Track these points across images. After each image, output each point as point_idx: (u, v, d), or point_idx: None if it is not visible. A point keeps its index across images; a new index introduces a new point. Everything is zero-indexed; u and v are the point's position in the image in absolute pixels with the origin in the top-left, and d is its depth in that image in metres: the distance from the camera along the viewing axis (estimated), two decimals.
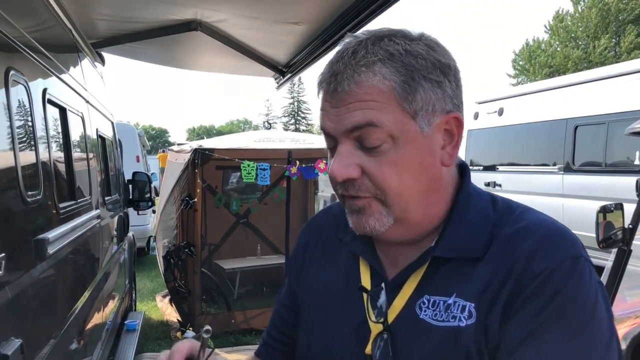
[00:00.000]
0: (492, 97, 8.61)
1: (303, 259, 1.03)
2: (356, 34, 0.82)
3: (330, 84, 0.78)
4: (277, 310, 1.09)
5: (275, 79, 4.73)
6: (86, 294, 2.61)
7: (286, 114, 69.76)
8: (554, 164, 7.18)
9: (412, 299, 0.82)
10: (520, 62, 38.80)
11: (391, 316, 0.83)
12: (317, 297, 0.96)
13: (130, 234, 5.44)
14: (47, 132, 2.08)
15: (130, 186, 5.33)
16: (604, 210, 2.65)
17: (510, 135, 8.02)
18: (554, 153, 7.18)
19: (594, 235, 2.62)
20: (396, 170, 0.77)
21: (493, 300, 0.75)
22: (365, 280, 0.89)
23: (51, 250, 1.88)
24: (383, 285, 0.86)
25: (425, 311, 0.81)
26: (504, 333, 0.73)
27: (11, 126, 1.62)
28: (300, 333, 0.98)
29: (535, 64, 36.05)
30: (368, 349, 0.84)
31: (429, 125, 0.78)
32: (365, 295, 0.87)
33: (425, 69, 0.77)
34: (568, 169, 6.94)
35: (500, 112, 8.23)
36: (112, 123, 4.78)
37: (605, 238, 2.64)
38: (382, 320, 0.83)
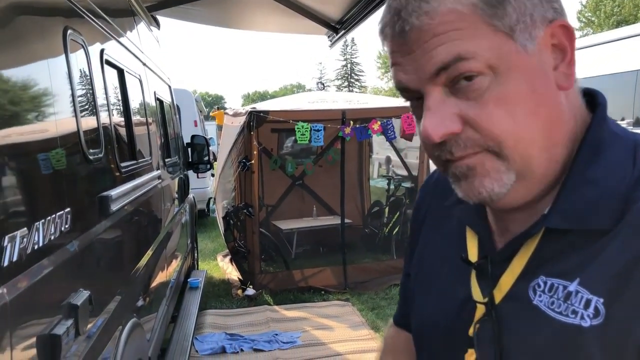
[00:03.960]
0: None
1: (415, 224, 0.93)
2: None
3: (395, 25, 0.62)
4: (401, 280, 1.01)
5: (329, 37, 4.65)
6: (149, 252, 2.70)
7: (339, 77, 69.12)
8: (622, 119, 6.78)
9: (524, 278, 0.67)
10: (587, 14, 36.52)
11: (498, 295, 0.69)
12: (424, 265, 0.86)
13: (190, 195, 5.59)
14: (105, 92, 2.12)
15: (189, 149, 5.45)
16: None
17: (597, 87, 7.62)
18: (623, 108, 6.77)
19: None
20: (506, 109, 0.61)
21: (638, 299, 0.56)
22: (472, 251, 0.76)
23: (114, 207, 1.93)
24: (490, 258, 0.72)
25: (540, 296, 0.64)
26: None
27: (71, 84, 1.65)
28: (412, 306, 0.89)
29: (601, 15, 33.82)
30: (471, 331, 0.71)
31: (532, 41, 0.61)
32: (470, 268, 0.74)
33: None
34: (638, 123, 6.54)
35: None
36: (170, 87, 4.85)
37: None
38: (487, 300, 0.70)
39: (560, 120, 0.65)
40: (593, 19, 35.08)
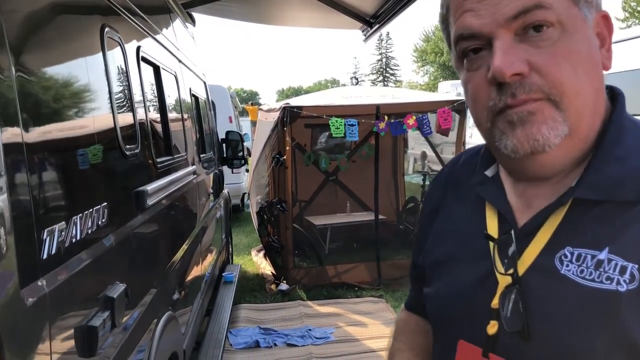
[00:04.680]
0: None
1: (428, 217, 0.96)
2: None
3: None
4: (410, 268, 1.05)
5: (363, 31, 4.62)
6: (185, 246, 2.74)
7: (374, 71, 68.70)
8: None
9: (549, 250, 0.70)
10: (632, 4, 35.22)
11: (521, 268, 0.72)
12: (443, 249, 0.88)
13: (225, 190, 5.65)
14: (142, 89, 2.15)
15: (223, 145, 5.51)
16: None
17: (617, 83, 7.33)
18: None
19: None
20: (571, 62, 0.66)
21: None
22: (492, 227, 0.79)
23: (150, 201, 1.96)
24: (512, 232, 0.75)
25: (568, 266, 0.67)
26: None
27: (108, 81, 1.68)
28: (428, 288, 0.91)
29: None
30: (495, 303, 0.73)
31: (590, 17, 0.69)
32: (491, 243, 0.77)
33: None
34: None
35: None
36: (205, 83, 4.91)
37: None
38: (511, 272, 0.72)
39: (602, 94, 0.72)
40: (638, 8, 33.80)
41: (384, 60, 68.26)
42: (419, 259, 0.96)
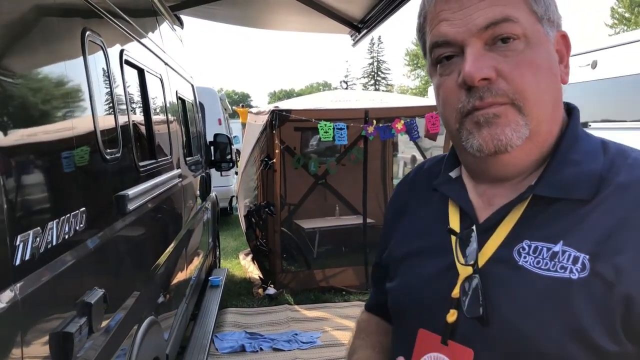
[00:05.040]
0: (584, 49, 7.96)
1: (393, 219, 1.01)
2: None
3: None
4: (372, 270, 1.11)
5: (351, 36, 4.62)
6: (169, 250, 2.72)
7: (365, 75, 68.85)
8: None
9: (508, 243, 0.76)
10: (620, 10, 35.58)
11: (482, 260, 0.77)
12: (406, 246, 0.93)
13: (213, 194, 5.63)
14: (124, 92, 2.14)
15: (211, 148, 5.49)
16: None
17: (605, 89, 7.41)
18: None
19: None
20: (533, 72, 0.73)
21: (621, 257, 0.67)
22: (455, 223, 0.84)
23: (132, 206, 1.95)
24: (474, 227, 0.80)
25: (525, 257, 0.73)
26: None
27: (89, 84, 1.66)
28: (390, 283, 0.95)
29: (639, 13, 32.88)
30: (455, 292, 0.78)
31: (551, 34, 0.77)
32: (454, 238, 0.82)
33: None
34: None
35: (594, 64, 7.60)
36: (192, 86, 4.89)
37: None
38: (472, 263, 0.78)
39: (560, 104, 0.79)
40: (628, 15, 34.16)
41: (375, 64, 68.46)
42: (382, 257, 1.01)
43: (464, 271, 0.78)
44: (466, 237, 0.80)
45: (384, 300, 0.97)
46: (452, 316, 0.78)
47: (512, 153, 0.75)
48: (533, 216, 0.76)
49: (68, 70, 1.54)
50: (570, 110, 0.83)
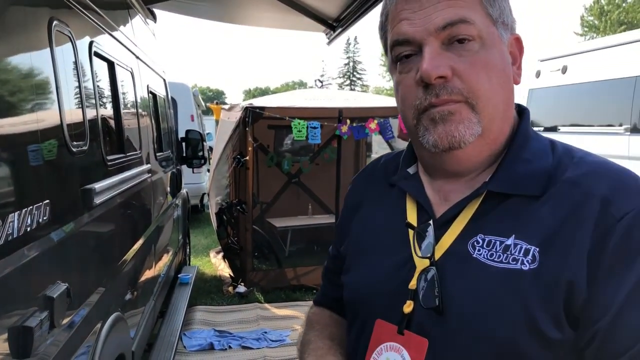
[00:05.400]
0: (555, 54, 8.14)
1: (350, 211, 1.03)
2: None
3: None
4: (326, 265, 1.12)
5: (326, 34, 4.62)
6: (136, 246, 2.68)
7: (341, 75, 69.02)
8: (620, 125, 6.76)
9: (463, 237, 0.79)
10: (589, 18, 36.46)
11: (438, 253, 0.80)
12: (364, 239, 0.95)
13: (184, 190, 5.57)
14: (93, 84, 2.10)
15: (183, 144, 5.43)
16: None
17: (574, 94, 7.58)
18: (621, 113, 6.74)
19: None
20: (486, 72, 0.77)
21: (567, 247, 0.71)
22: (412, 218, 0.87)
23: (98, 200, 1.92)
24: (431, 222, 0.83)
25: (479, 250, 0.77)
26: (601, 287, 0.69)
27: (55, 76, 1.63)
28: (346, 275, 0.97)
29: (607, 20, 33.73)
30: (412, 284, 0.81)
31: (505, 37, 0.80)
32: (411, 232, 0.85)
33: None
34: (635, 130, 6.51)
35: (564, 70, 7.78)
36: (165, 81, 4.83)
37: None
38: (428, 255, 0.81)
39: (512, 104, 0.83)
40: (595, 22, 35.02)
41: (351, 64, 68.67)
42: (339, 250, 1.03)
43: (421, 264, 0.81)
44: (423, 231, 0.83)
45: (338, 294, 0.99)
46: (408, 307, 0.80)
47: (465, 149, 0.79)
48: (487, 211, 0.79)
49: (34, 61, 1.51)
50: (522, 111, 0.87)
